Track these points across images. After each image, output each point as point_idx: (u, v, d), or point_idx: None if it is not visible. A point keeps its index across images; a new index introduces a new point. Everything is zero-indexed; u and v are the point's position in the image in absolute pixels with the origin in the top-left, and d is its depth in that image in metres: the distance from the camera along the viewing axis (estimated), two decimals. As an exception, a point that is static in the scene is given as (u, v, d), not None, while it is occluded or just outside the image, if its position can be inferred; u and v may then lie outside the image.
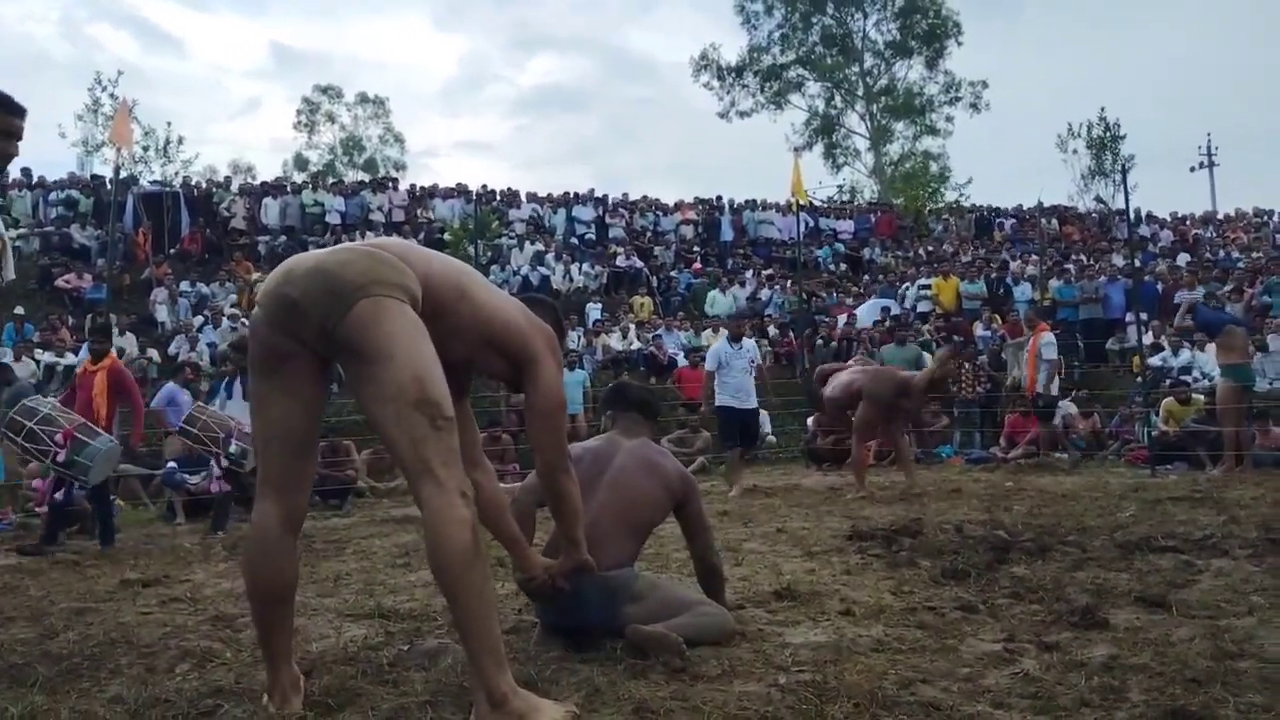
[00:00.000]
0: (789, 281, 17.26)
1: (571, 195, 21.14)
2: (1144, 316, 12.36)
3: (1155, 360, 11.73)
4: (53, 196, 17.26)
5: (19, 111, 3.71)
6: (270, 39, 72.35)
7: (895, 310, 15.43)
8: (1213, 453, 9.01)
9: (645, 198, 21.88)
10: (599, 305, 16.19)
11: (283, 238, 17.58)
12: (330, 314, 2.10)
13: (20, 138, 3.78)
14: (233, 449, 6.53)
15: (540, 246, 18.07)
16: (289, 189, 19.70)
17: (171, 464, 8.17)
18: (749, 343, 9.05)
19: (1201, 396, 10.03)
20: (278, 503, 2.27)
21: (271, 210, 18.18)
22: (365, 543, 5.67)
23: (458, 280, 2.40)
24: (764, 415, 10.56)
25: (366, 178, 27.50)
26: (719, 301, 16.62)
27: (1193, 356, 11.81)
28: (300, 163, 39.36)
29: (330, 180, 25.19)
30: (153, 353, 12.35)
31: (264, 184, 20.61)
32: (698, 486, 3.21)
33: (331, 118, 40.51)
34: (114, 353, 6.95)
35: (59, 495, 6.17)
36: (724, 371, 8.59)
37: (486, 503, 2.79)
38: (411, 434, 2.06)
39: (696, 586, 3.23)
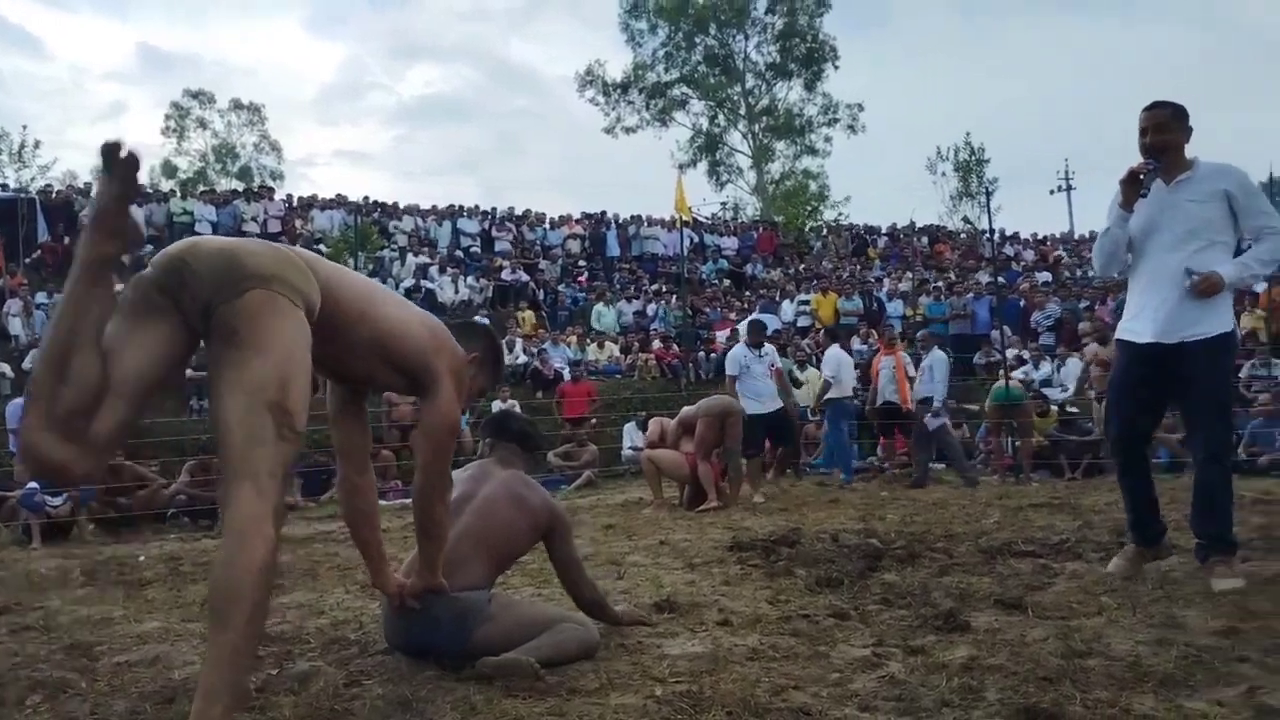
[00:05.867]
0: (674, 297, 17.48)
1: (456, 208, 20.92)
2: (1008, 332, 13.03)
3: (1018, 374, 12.34)
4: (-105, 203, 16.11)
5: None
6: (137, 40, 69.43)
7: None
8: (1072, 461, 9.58)
9: (531, 211, 21.83)
10: (485, 319, 16.06)
11: (149, 247, 16.83)
12: (220, 293, 2.01)
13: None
14: None
15: (424, 259, 17.81)
16: (156, 197, 18.90)
17: (32, 485, 7.69)
18: (770, 347, 9.02)
19: (1057, 408, 10.62)
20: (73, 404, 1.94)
21: (136, 218, 17.37)
22: (236, 565, 5.46)
23: (361, 301, 2.35)
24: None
25: (241, 186, 26.60)
26: (605, 315, 16.72)
27: (1053, 370, 12.50)
28: (169, 170, 37.88)
29: (201, 188, 24.29)
30: (4, 367, 11.64)
31: (129, 191, 19.65)
32: (566, 521, 3.18)
33: (203, 124, 39.14)
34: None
35: None
36: (745, 376, 8.57)
37: (362, 508, 2.76)
38: (252, 432, 1.95)
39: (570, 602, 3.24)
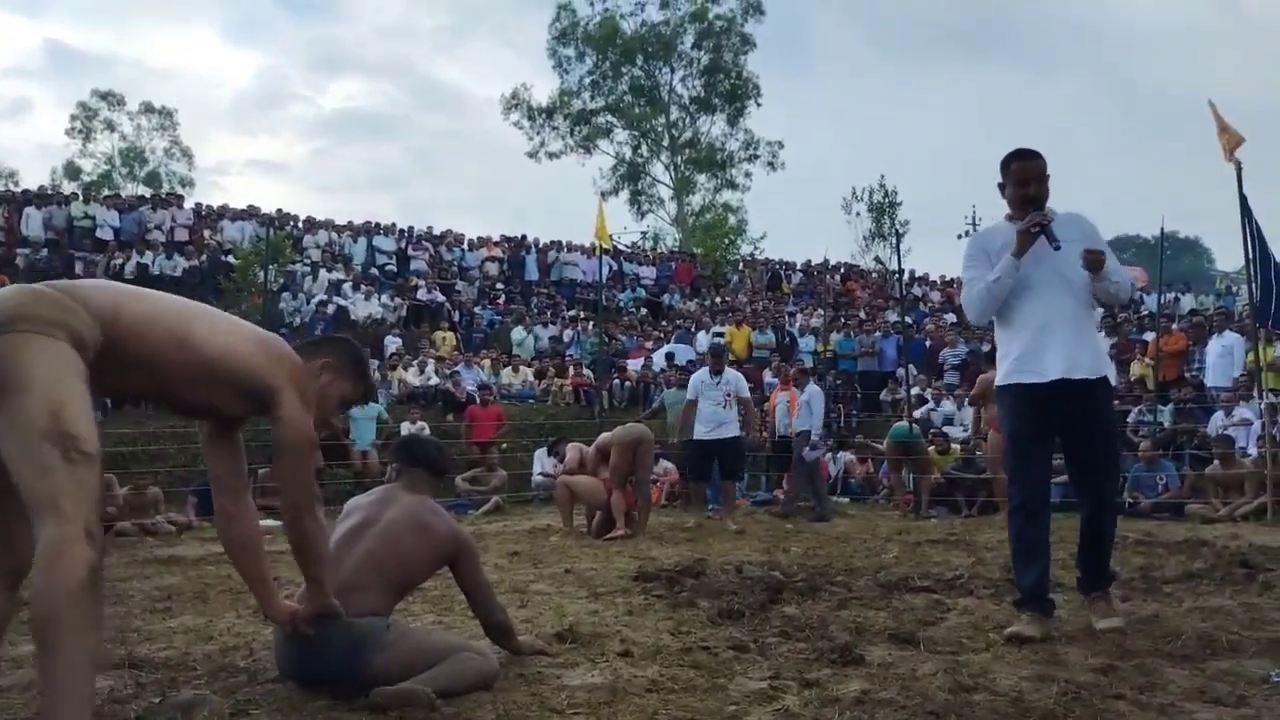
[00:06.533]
0: (591, 323, 17.50)
1: (373, 225, 20.62)
2: (913, 370, 13.41)
3: (920, 412, 12.69)
4: None
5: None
6: (45, 36, 66.96)
7: (683, 358, 15.93)
8: (969, 498, 9.87)
9: (450, 231, 21.65)
10: (399, 338, 15.82)
11: (45, 251, 16.21)
12: None
13: None
14: None
15: (338, 275, 17.49)
16: (57, 199, 18.19)
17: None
18: (731, 375, 9.08)
19: (959, 446, 10.95)
20: None
21: (34, 221, 16.73)
22: (123, 585, 5.24)
23: (174, 325, 2.32)
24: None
25: (148, 192, 25.80)
26: (522, 339, 16.65)
27: (955, 409, 12.89)
28: (72, 172, 36.58)
29: (105, 193, 23.49)
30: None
31: (26, 192, 18.92)
32: (472, 547, 3.15)
33: (111, 126, 37.89)
34: None
35: None
36: (699, 401, 8.67)
37: (240, 537, 2.68)
38: (40, 464, 1.93)
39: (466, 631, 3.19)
